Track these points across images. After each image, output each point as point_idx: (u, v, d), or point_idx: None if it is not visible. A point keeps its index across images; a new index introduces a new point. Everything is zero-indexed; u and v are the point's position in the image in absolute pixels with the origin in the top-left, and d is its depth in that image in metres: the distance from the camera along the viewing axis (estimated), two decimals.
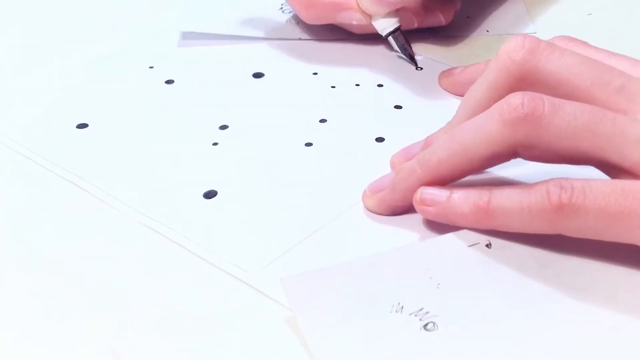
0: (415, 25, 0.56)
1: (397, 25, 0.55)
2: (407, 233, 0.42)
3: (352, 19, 0.55)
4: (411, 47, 0.55)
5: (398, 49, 0.55)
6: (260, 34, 0.58)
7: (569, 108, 0.39)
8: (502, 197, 0.39)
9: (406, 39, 0.55)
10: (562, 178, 0.38)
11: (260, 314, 0.39)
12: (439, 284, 0.39)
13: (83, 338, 0.38)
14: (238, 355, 0.37)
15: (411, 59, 0.55)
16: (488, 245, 0.40)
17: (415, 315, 0.37)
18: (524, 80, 0.41)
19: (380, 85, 0.54)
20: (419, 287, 0.38)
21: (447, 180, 0.42)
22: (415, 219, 0.43)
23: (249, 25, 0.59)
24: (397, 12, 0.54)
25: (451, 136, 0.41)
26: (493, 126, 0.39)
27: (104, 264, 0.41)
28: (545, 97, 0.39)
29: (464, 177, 0.42)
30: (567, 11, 0.62)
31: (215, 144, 0.49)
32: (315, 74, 0.55)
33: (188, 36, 0.59)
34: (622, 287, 0.38)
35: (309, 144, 0.49)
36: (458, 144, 0.41)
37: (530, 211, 0.38)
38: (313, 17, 0.56)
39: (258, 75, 0.55)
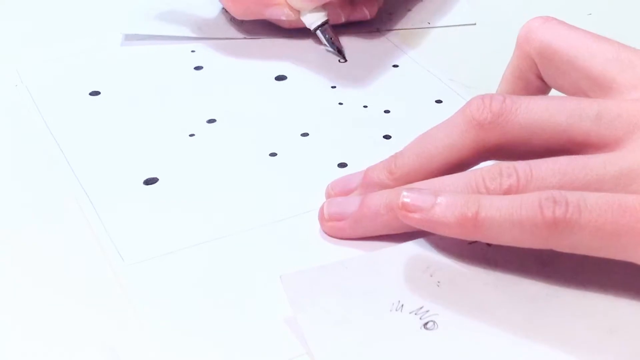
0: (343, 20, 0.58)
1: (325, 19, 0.56)
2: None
3: (281, 14, 0.56)
4: (339, 41, 0.57)
5: (326, 43, 0.57)
6: (203, 34, 0.59)
7: (538, 99, 0.40)
8: (492, 209, 0.37)
9: (334, 32, 0.57)
10: (555, 190, 0.36)
11: (261, 313, 0.38)
12: (439, 282, 0.38)
13: (82, 338, 0.38)
14: (239, 355, 0.37)
15: (339, 52, 0.57)
16: (489, 244, 0.40)
17: (416, 314, 0.37)
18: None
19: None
20: (419, 285, 0.38)
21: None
22: None
23: (190, 26, 0.60)
24: (324, 7, 0.56)
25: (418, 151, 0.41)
26: (460, 133, 0.40)
27: (104, 264, 0.41)
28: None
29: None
30: (566, 11, 0.61)
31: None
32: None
33: (130, 37, 0.59)
34: (622, 287, 0.38)
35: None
36: (426, 152, 0.41)
37: (522, 226, 0.36)
38: (241, 12, 0.57)
39: (198, 68, 0.56)
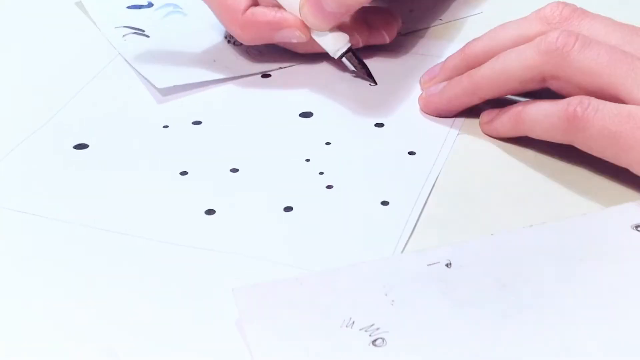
0: (361, 45, 0.55)
1: (349, 44, 0.53)
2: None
3: (292, 37, 0.53)
4: (365, 64, 0.54)
5: (354, 68, 0.54)
6: (230, 73, 0.55)
7: (596, 48, 0.45)
8: (534, 106, 0.46)
9: (359, 56, 0.54)
10: (587, 97, 0.44)
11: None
12: (393, 301, 0.38)
13: (82, 338, 0.38)
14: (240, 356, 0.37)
15: (369, 75, 0.54)
16: (448, 265, 0.40)
17: (366, 331, 0.37)
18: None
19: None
20: (373, 303, 0.38)
21: (487, 95, 0.49)
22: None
23: (215, 68, 0.56)
24: (345, 32, 0.53)
25: (497, 57, 0.48)
26: (530, 54, 0.46)
27: (104, 263, 0.42)
28: (580, 36, 0.45)
29: (500, 95, 0.49)
30: None
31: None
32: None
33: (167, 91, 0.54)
34: (579, 312, 0.38)
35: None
36: (501, 64, 0.48)
37: (551, 117, 0.45)
38: (250, 38, 0.54)
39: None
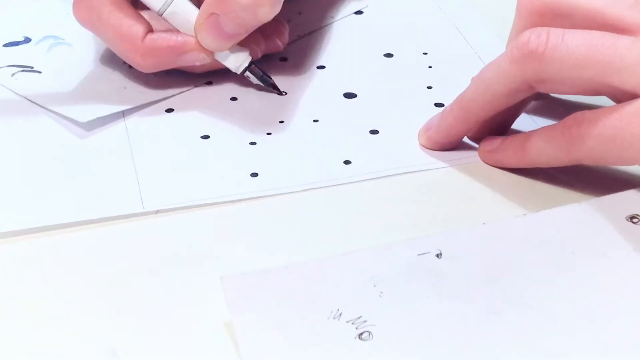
0: (259, 56, 0.53)
1: (250, 59, 0.52)
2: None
3: (195, 60, 0.51)
4: (269, 75, 0.53)
5: (259, 82, 0.53)
6: (145, 99, 0.53)
7: (571, 39, 0.42)
8: (535, 135, 0.44)
9: (261, 69, 0.53)
10: (581, 113, 0.42)
11: None
12: (381, 293, 0.38)
13: (82, 338, 0.38)
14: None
15: (273, 87, 0.53)
16: (438, 255, 0.40)
17: (353, 324, 0.37)
18: (543, 15, 0.44)
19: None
20: (361, 294, 0.38)
21: (481, 117, 0.46)
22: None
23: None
24: (244, 47, 0.52)
25: (477, 76, 0.46)
26: (506, 65, 0.44)
27: (104, 264, 0.42)
28: (551, 31, 0.42)
29: (494, 113, 0.46)
30: None
31: None
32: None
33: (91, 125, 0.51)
34: (568, 307, 0.38)
35: None
36: (482, 82, 0.46)
37: (552, 142, 0.43)
38: (152, 65, 0.52)
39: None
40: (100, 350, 0.37)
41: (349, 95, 0.53)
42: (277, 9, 0.50)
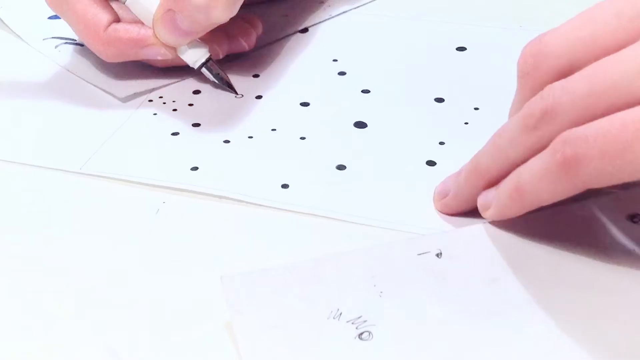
0: (221, 56, 0.54)
1: (208, 55, 0.52)
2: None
3: (157, 54, 0.52)
4: (226, 74, 0.53)
5: (214, 79, 0.53)
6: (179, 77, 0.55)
7: (572, 82, 0.37)
8: (526, 173, 0.39)
9: (219, 67, 0.53)
10: (565, 132, 0.37)
11: None
12: (381, 292, 0.38)
13: (82, 338, 0.38)
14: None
15: (229, 86, 0.53)
16: (438, 255, 0.40)
17: (353, 323, 0.37)
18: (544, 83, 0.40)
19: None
20: (361, 294, 0.38)
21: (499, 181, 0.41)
22: None
23: None
24: (204, 43, 0.52)
25: (492, 144, 0.41)
26: (522, 135, 0.39)
27: (104, 264, 0.41)
28: (550, 87, 0.38)
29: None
30: (566, 11, 0.60)
31: None
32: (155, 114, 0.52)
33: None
34: (569, 307, 0.37)
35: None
36: (498, 149, 0.41)
37: (547, 176, 0.37)
38: (113, 55, 0.52)
39: None
40: (101, 350, 0.37)
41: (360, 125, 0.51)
42: (232, 12, 0.49)
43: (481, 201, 0.42)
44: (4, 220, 0.44)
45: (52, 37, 0.58)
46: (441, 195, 0.44)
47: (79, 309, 0.39)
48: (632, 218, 0.41)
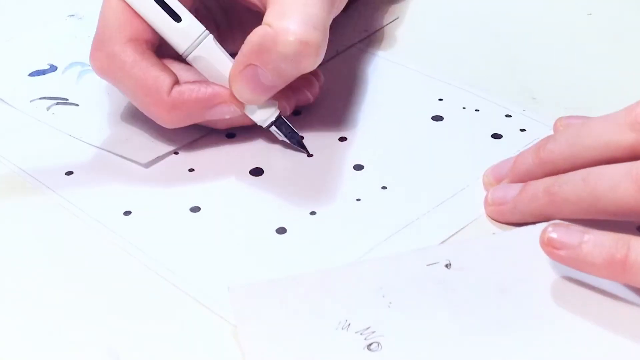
0: (288, 113, 0.49)
1: (277, 112, 0.47)
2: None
3: (226, 113, 0.46)
4: (297, 133, 0.48)
5: (284, 138, 0.48)
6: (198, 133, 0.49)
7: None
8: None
9: (290, 124, 0.48)
10: (626, 237, 0.37)
11: None
12: (390, 303, 0.38)
13: (83, 339, 0.38)
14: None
15: (300, 145, 0.48)
16: (447, 266, 0.39)
17: (361, 334, 0.36)
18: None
19: None
20: (370, 305, 0.38)
21: (570, 218, 0.41)
22: None
23: None
24: (274, 100, 0.47)
25: (585, 181, 0.40)
26: (628, 190, 0.38)
27: (104, 264, 0.41)
28: None
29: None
30: (567, 11, 0.61)
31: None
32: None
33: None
34: (579, 318, 0.37)
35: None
36: (591, 193, 0.39)
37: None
38: (177, 120, 0.46)
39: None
40: (104, 355, 0.37)
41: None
42: (321, 59, 0.45)
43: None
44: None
45: (40, 98, 0.52)
46: (499, 202, 0.43)
47: (81, 313, 0.39)
48: None
